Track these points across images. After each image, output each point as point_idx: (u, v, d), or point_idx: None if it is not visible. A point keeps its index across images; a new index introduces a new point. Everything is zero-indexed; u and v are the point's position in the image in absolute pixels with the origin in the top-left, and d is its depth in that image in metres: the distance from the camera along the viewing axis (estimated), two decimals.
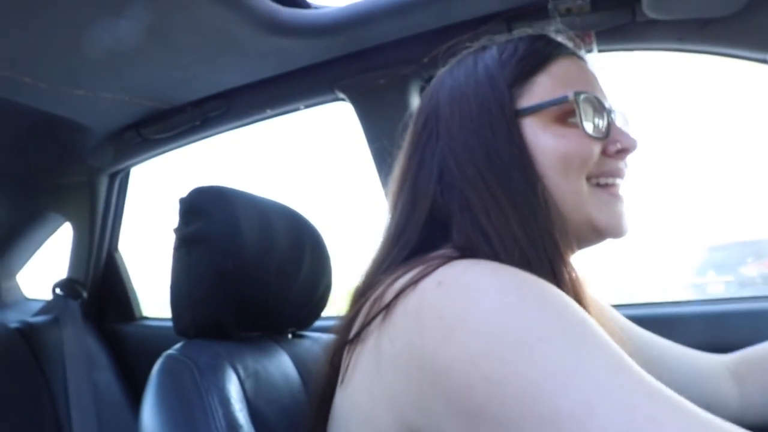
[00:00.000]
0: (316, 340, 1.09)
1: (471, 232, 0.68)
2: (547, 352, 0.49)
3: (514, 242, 0.66)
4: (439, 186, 0.73)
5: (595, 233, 0.75)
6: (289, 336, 1.09)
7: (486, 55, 0.78)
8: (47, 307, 2.03)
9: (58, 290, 1.98)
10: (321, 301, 1.08)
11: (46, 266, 2.29)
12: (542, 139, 0.72)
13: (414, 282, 0.59)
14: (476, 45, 0.83)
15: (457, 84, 0.77)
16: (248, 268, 0.95)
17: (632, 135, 0.77)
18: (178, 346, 0.90)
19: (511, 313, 0.52)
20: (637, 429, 0.44)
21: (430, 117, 0.78)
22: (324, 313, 1.10)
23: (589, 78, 0.79)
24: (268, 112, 1.60)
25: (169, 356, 0.87)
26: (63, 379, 1.73)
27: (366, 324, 0.63)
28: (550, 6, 1.18)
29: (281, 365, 0.97)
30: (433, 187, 0.73)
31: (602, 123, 0.74)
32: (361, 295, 0.72)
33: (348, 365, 0.66)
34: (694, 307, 1.37)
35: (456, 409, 0.52)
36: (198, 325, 0.94)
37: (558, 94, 0.73)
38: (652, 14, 1.11)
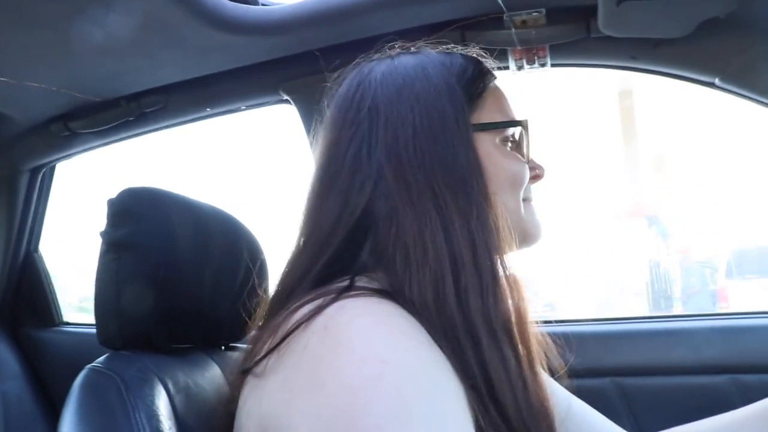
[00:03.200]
0: None
1: (390, 248, 0.67)
2: None
3: (447, 262, 0.65)
4: (373, 193, 0.69)
5: (522, 243, 0.78)
6: (222, 348, 1.04)
7: (434, 61, 0.77)
8: None
9: None
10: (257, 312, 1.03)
11: None
12: (494, 157, 0.75)
13: (306, 321, 0.59)
14: (404, 45, 0.83)
15: (405, 84, 0.74)
16: (181, 276, 0.92)
17: (541, 162, 0.83)
18: (102, 358, 0.86)
19: (365, 393, 0.52)
20: None
21: (364, 115, 0.73)
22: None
23: (513, 106, 0.84)
24: (208, 110, 1.55)
25: (93, 369, 0.83)
26: None
27: (260, 358, 0.62)
28: (505, 17, 1.18)
29: (214, 379, 0.93)
30: (368, 193, 0.69)
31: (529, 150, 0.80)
32: (269, 317, 0.71)
33: (243, 392, 0.66)
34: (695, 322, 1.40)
35: None
36: (125, 336, 0.89)
37: (498, 118, 0.77)
38: (606, 31, 1.12)
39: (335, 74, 0.81)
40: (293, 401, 0.55)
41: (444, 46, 0.83)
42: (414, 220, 0.66)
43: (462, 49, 0.83)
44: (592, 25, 1.15)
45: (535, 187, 0.84)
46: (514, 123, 0.78)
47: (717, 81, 1.17)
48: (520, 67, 1.24)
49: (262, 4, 1.30)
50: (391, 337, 0.57)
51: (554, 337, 0.96)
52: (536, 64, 1.23)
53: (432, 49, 0.82)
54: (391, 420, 0.50)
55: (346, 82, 0.79)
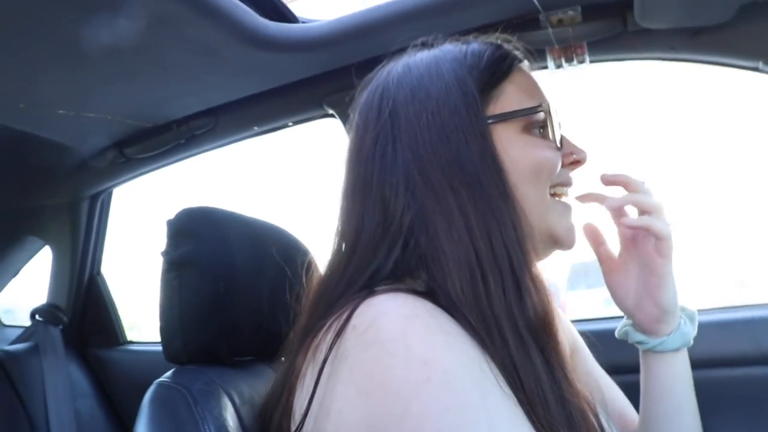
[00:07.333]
0: None
1: (426, 249, 0.65)
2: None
3: (474, 260, 0.63)
4: (406, 196, 0.68)
5: (551, 244, 0.75)
6: (283, 359, 1.06)
7: (446, 56, 0.75)
8: (26, 335, 1.96)
9: (37, 316, 1.92)
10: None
11: (24, 292, 2.23)
12: (512, 148, 0.71)
13: (341, 328, 0.59)
14: (425, 42, 0.81)
15: (419, 84, 0.72)
16: (240, 291, 0.93)
17: (581, 146, 0.79)
18: (169, 373, 0.88)
19: (416, 398, 0.52)
20: None
21: (386, 119, 0.72)
22: None
23: (541, 88, 0.79)
24: (256, 129, 1.58)
25: (162, 384, 0.85)
26: (44, 409, 1.68)
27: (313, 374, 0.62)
28: (541, 17, 1.17)
29: None
30: (402, 197, 0.68)
31: (559, 134, 0.76)
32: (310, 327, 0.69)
33: (295, 408, 0.65)
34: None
35: None
36: (190, 351, 0.92)
37: (524, 104, 0.74)
38: (643, 23, 1.10)
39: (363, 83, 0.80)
40: (340, 409, 0.56)
41: (464, 37, 0.81)
42: (442, 220, 0.65)
43: (483, 37, 0.81)
44: (628, 18, 1.13)
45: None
46: (529, 110, 0.73)
47: (761, 65, 1.13)
48: (558, 66, 1.23)
49: (302, 22, 1.32)
50: (428, 333, 0.56)
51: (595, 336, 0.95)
52: (575, 62, 1.22)
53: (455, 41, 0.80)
54: (446, 422, 0.50)
55: (368, 87, 0.78)
